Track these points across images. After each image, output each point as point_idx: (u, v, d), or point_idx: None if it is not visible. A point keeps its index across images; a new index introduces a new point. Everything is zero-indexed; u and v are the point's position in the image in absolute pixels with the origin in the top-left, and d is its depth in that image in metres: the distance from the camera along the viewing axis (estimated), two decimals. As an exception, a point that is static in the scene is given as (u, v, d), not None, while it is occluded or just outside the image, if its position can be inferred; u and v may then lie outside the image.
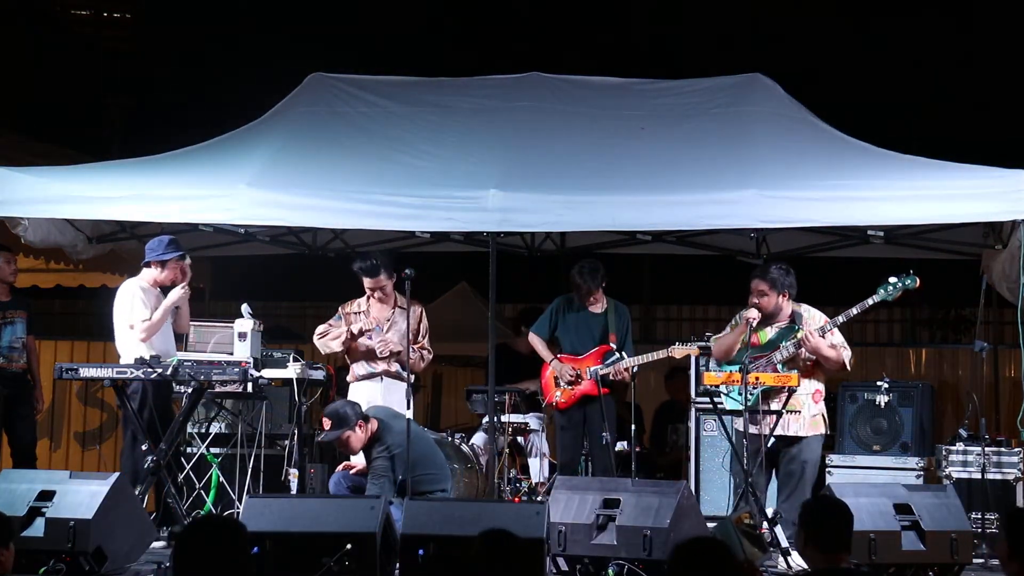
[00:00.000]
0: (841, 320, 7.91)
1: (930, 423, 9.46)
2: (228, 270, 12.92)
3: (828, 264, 10.58)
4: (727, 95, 9.67)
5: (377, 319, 9.06)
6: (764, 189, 8.24)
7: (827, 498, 4.95)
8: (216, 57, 22.16)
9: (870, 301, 7.85)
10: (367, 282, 9.01)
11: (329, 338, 9.09)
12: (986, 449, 8.75)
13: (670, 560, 4.10)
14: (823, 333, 7.90)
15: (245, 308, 9.09)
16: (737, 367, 7.89)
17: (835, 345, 7.99)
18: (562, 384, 9.21)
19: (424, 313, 9.14)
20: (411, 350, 8.55)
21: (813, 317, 8.02)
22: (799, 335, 8.00)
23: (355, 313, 9.12)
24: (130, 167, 9.45)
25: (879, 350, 14.25)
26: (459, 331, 13.42)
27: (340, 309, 9.18)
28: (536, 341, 9.37)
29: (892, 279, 7.87)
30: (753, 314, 8.00)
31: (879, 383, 9.30)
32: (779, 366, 7.96)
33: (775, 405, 7.90)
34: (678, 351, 9.05)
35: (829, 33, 21.12)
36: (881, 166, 8.69)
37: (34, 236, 9.23)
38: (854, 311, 7.87)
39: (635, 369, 9.04)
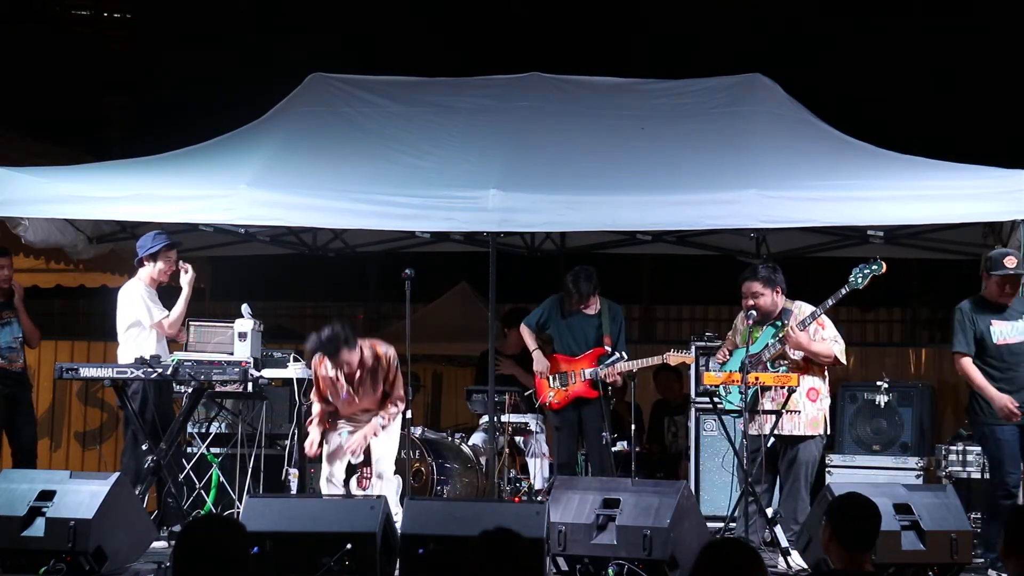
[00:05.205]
0: (819, 312, 7.91)
1: (930, 423, 9.46)
2: (228, 270, 12.92)
3: (828, 264, 10.57)
4: (727, 95, 9.67)
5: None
6: (764, 189, 8.25)
7: (858, 496, 4.88)
8: (216, 57, 22.12)
9: (842, 291, 7.87)
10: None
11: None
12: (986, 449, 8.75)
13: (697, 560, 4.00)
14: (804, 326, 7.88)
15: (245, 308, 9.08)
16: (737, 367, 7.88)
17: (824, 339, 7.98)
18: (550, 382, 9.13)
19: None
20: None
21: (803, 311, 8.00)
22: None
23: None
24: (130, 167, 9.46)
25: (879, 350, 14.23)
26: (459, 331, 13.44)
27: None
28: (525, 333, 9.31)
29: (860, 267, 7.88)
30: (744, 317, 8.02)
31: (879, 383, 9.31)
32: (768, 364, 7.95)
33: (768, 405, 7.90)
34: (673, 358, 9.04)
35: (830, 33, 21.10)
36: (881, 166, 8.70)
37: (34, 236, 9.23)
38: (829, 302, 7.89)
39: (632, 371, 9.02)
